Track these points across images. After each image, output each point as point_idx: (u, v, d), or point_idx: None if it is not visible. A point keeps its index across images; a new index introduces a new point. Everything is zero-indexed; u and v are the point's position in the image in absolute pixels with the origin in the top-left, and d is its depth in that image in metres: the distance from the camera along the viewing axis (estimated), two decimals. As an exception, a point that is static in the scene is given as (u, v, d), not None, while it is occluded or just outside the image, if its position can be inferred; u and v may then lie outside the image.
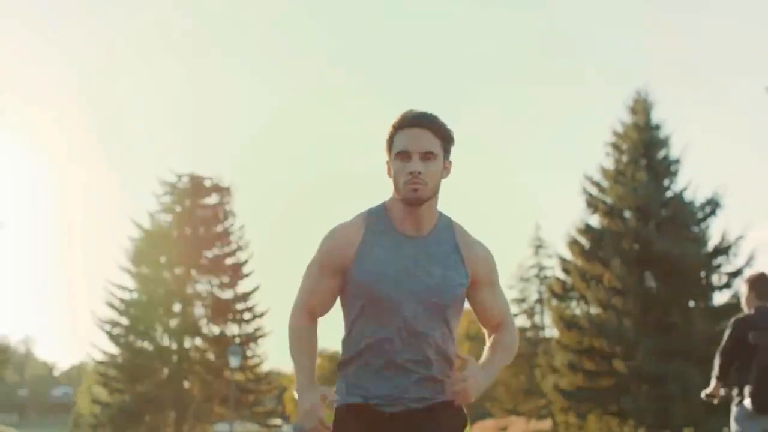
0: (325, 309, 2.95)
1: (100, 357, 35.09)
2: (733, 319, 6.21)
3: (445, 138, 2.86)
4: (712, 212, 28.34)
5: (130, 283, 35.45)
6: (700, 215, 28.43)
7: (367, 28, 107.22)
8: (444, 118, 2.87)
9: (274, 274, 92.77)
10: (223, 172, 55.27)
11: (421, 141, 2.80)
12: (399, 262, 2.82)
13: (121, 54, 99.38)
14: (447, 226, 2.92)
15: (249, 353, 35.48)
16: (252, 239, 48.01)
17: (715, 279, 28.38)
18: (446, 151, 2.87)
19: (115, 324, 34.84)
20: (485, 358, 2.98)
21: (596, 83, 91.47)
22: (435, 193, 2.85)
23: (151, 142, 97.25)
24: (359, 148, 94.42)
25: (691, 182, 29.12)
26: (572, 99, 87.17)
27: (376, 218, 2.89)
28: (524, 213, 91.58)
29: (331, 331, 3.13)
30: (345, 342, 2.93)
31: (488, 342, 3.05)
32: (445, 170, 2.89)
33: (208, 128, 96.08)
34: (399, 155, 2.82)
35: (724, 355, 6.20)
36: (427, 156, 2.80)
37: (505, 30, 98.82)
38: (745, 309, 6.29)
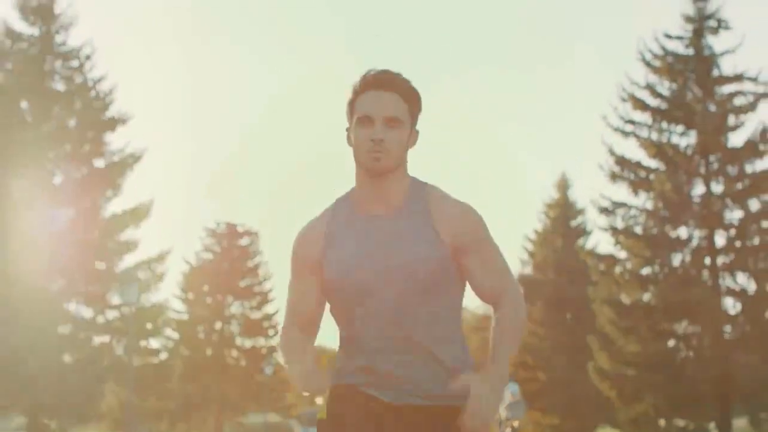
0: (315, 315, 2.55)
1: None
2: None
3: (414, 102, 2.45)
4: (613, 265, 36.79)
5: (181, 306, 42.07)
6: (602, 267, 37.51)
7: (356, 7, 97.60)
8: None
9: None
10: (252, 219, 58.58)
11: (385, 104, 2.40)
12: (363, 249, 2.45)
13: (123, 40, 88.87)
14: (419, 195, 2.48)
15: (273, 362, 41.99)
16: (275, 272, 52.29)
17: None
18: (413, 118, 2.47)
19: (168, 338, 40.57)
20: (490, 357, 2.46)
21: (589, 62, 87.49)
22: (399, 164, 2.44)
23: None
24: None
25: (599, 242, 37.95)
26: (563, 81, 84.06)
27: (341, 207, 2.54)
28: (518, 198, 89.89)
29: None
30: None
31: (492, 322, 2.52)
32: (412, 140, 2.47)
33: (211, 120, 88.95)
34: (360, 120, 2.42)
35: None
36: (391, 122, 2.40)
37: (498, 11, 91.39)
38: None
